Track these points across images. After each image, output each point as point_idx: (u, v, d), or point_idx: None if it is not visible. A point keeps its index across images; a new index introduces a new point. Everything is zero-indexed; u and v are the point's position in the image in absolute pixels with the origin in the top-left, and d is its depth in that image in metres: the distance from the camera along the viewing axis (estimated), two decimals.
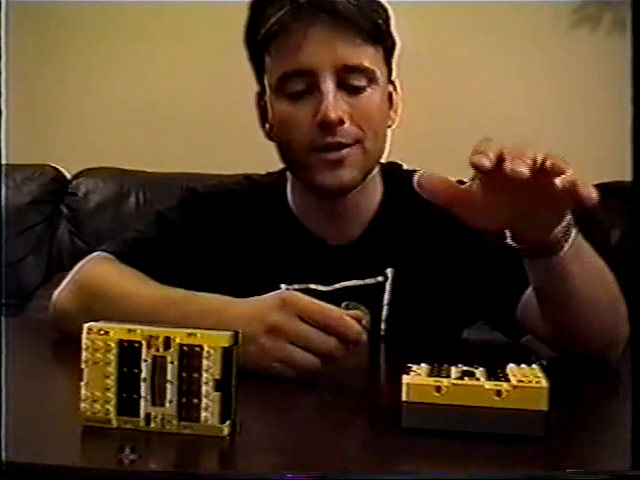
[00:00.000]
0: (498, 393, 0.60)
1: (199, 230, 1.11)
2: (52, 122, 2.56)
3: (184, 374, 0.59)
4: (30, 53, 2.46)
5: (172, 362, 0.59)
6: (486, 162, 0.68)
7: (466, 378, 0.61)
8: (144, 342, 0.59)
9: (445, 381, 0.60)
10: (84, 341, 0.60)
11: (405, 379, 0.61)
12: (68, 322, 0.97)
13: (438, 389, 0.60)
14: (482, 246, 1.01)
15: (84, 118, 2.56)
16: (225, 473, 0.55)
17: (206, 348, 0.58)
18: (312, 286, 1.07)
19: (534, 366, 0.65)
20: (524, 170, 0.67)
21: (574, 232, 0.83)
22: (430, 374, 0.63)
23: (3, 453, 0.53)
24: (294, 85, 1.00)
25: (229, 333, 0.59)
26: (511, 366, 0.65)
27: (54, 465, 0.53)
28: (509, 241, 0.84)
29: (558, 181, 0.69)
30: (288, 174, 1.12)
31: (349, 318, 0.76)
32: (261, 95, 1.08)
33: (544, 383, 0.60)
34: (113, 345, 0.59)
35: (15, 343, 0.82)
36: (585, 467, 0.57)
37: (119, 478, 0.53)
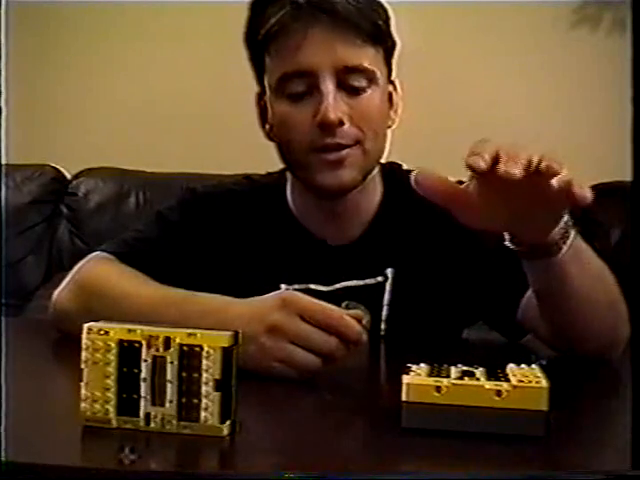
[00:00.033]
0: (498, 393, 0.60)
1: (199, 230, 1.11)
2: (52, 122, 2.56)
3: (184, 374, 0.59)
4: (30, 53, 2.46)
5: (172, 362, 0.59)
6: (481, 163, 0.68)
7: (466, 378, 0.61)
8: (144, 342, 0.59)
9: (445, 381, 0.60)
10: (84, 341, 0.60)
11: (405, 379, 0.61)
12: (68, 322, 0.97)
13: (438, 389, 0.60)
14: (482, 247, 1.01)
15: (84, 118, 2.56)
16: (225, 473, 0.56)
17: (206, 348, 0.58)
18: (312, 286, 1.07)
19: (534, 366, 0.65)
20: (517, 171, 0.68)
21: (572, 233, 0.83)
22: (430, 374, 0.63)
23: (3, 453, 0.53)
24: (294, 86, 1.00)
25: (229, 333, 0.59)
26: (511, 366, 0.65)
27: (54, 465, 0.53)
28: (507, 243, 0.85)
29: (554, 182, 0.69)
30: (288, 174, 1.12)
31: (350, 318, 0.76)
32: (261, 95, 1.08)
33: (544, 383, 0.60)
34: (113, 345, 0.59)
35: (15, 343, 0.82)
36: (585, 467, 0.57)
37: (119, 478, 0.53)
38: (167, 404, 0.59)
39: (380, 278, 1.09)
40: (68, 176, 2.44)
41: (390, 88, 1.08)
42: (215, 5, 2.34)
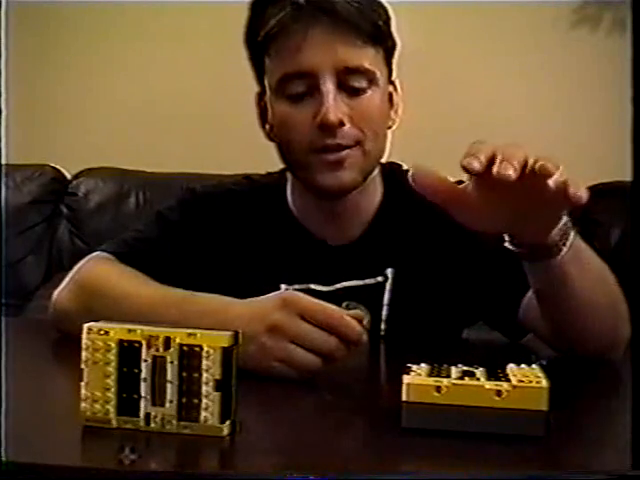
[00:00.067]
0: (498, 393, 0.60)
1: (199, 230, 1.11)
2: (52, 122, 2.56)
3: (184, 374, 0.59)
4: (30, 53, 2.46)
5: (172, 362, 0.59)
6: (476, 165, 0.68)
7: (466, 378, 0.61)
8: (144, 342, 0.59)
9: (445, 381, 0.60)
10: (84, 341, 0.60)
11: (405, 379, 0.61)
12: (68, 322, 0.97)
13: (438, 389, 0.60)
14: (483, 247, 1.01)
15: (84, 118, 2.56)
16: (225, 473, 0.56)
17: (206, 348, 0.58)
18: (312, 286, 1.07)
19: (534, 366, 0.65)
20: (511, 173, 0.68)
21: (572, 234, 0.83)
22: (430, 374, 0.63)
23: (3, 453, 0.53)
24: (294, 87, 1.00)
25: (229, 333, 0.59)
26: (511, 366, 0.65)
27: (54, 465, 0.53)
28: (507, 244, 0.84)
29: (551, 182, 0.69)
30: (288, 174, 1.12)
31: (350, 318, 0.76)
32: (261, 95, 1.07)
33: (544, 383, 0.60)
34: (113, 345, 0.59)
35: (15, 343, 0.82)
36: (585, 467, 0.57)
37: (119, 478, 0.53)
38: (167, 404, 0.59)
39: (380, 278, 1.09)
40: (68, 176, 2.44)
41: (390, 88, 1.07)
42: (215, 5, 2.34)
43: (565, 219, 0.82)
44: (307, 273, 1.08)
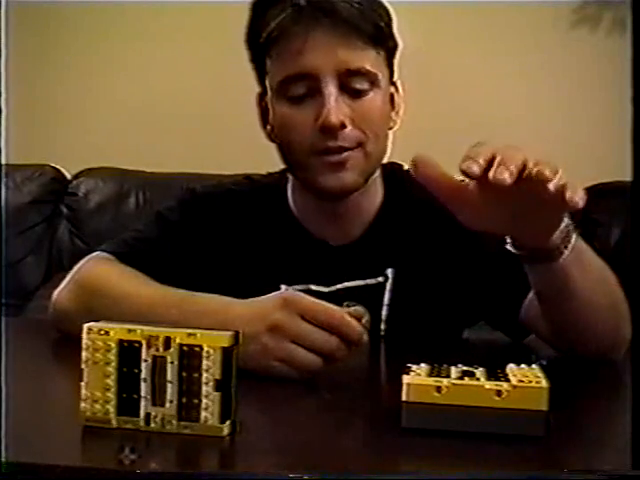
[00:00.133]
0: (498, 393, 0.60)
1: (199, 230, 1.11)
2: (52, 122, 2.56)
3: (184, 374, 0.59)
4: (30, 53, 2.46)
5: (172, 362, 0.59)
6: (475, 169, 0.68)
7: (466, 378, 0.61)
8: (144, 342, 0.59)
9: (445, 381, 0.60)
10: (84, 341, 0.60)
11: (405, 379, 0.61)
12: (68, 322, 0.97)
13: (438, 389, 0.60)
14: (483, 247, 1.01)
15: (84, 118, 2.56)
16: (225, 473, 0.55)
17: (206, 348, 0.58)
18: (313, 287, 1.07)
19: (534, 366, 0.65)
20: (506, 178, 0.67)
21: (574, 237, 0.83)
22: (430, 374, 0.63)
23: (3, 453, 0.53)
24: (296, 88, 0.99)
25: (229, 333, 0.59)
26: (511, 366, 0.65)
27: (54, 465, 0.53)
28: (509, 247, 0.84)
29: (549, 186, 0.69)
30: (289, 174, 1.12)
31: (351, 318, 0.76)
32: (262, 96, 1.07)
33: (544, 383, 0.60)
34: (113, 345, 0.59)
35: (15, 343, 0.82)
36: (585, 467, 0.57)
37: (119, 478, 0.53)
38: (167, 404, 0.59)
39: (380, 278, 1.09)
40: (68, 176, 2.44)
41: (392, 89, 1.07)
42: (215, 5, 2.34)
43: (567, 222, 0.81)
44: (307, 274, 1.08)
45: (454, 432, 0.59)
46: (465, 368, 0.65)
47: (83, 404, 0.60)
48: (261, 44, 1.01)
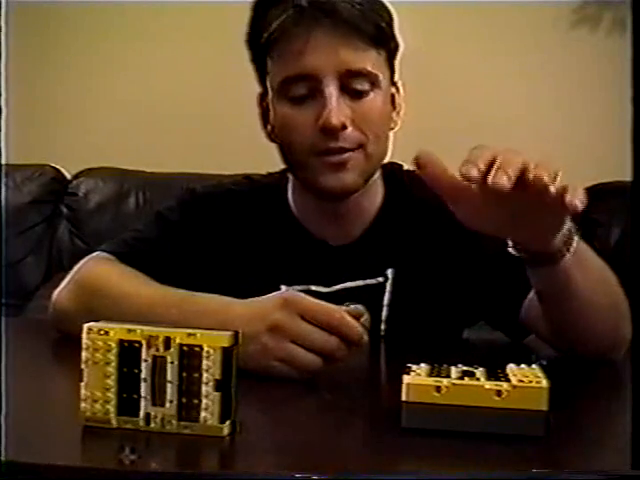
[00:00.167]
0: (498, 393, 0.60)
1: (199, 230, 1.11)
2: (52, 122, 2.56)
3: (184, 374, 0.59)
4: (30, 53, 2.46)
5: (172, 362, 0.59)
6: (475, 173, 0.68)
7: (466, 378, 0.61)
8: (144, 342, 0.59)
9: (445, 381, 0.60)
10: (84, 341, 0.60)
11: (405, 379, 0.61)
12: (68, 322, 0.97)
13: (438, 389, 0.60)
14: (483, 247, 1.01)
15: (84, 118, 2.56)
16: (225, 473, 0.56)
17: (206, 348, 0.58)
18: (313, 287, 1.07)
19: (534, 366, 0.65)
20: (505, 183, 0.67)
21: (576, 239, 0.83)
22: (430, 374, 0.63)
23: (3, 453, 0.53)
24: (296, 89, 0.99)
25: (229, 333, 0.59)
26: (511, 366, 0.65)
27: (54, 465, 0.53)
28: (511, 250, 0.84)
29: (550, 189, 0.69)
30: (289, 174, 1.12)
31: (351, 318, 0.76)
32: (263, 96, 1.07)
33: (544, 383, 0.60)
34: (113, 345, 0.59)
35: (15, 343, 0.82)
36: (585, 467, 0.57)
37: (119, 478, 0.53)
38: (167, 404, 0.59)
39: (380, 279, 1.09)
40: (68, 176, 2.44)
41: (393, 90, 1.07)
42: (215, 5, 2.34)
43: (569, 224, 0.81)
44: (307, 274, 1.08)
45: (454, 432, 0.59)
46: (465, 368, 0.65)
47: (83, 404, 0.60)
48: (262, 44, 1.01)
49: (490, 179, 0.68)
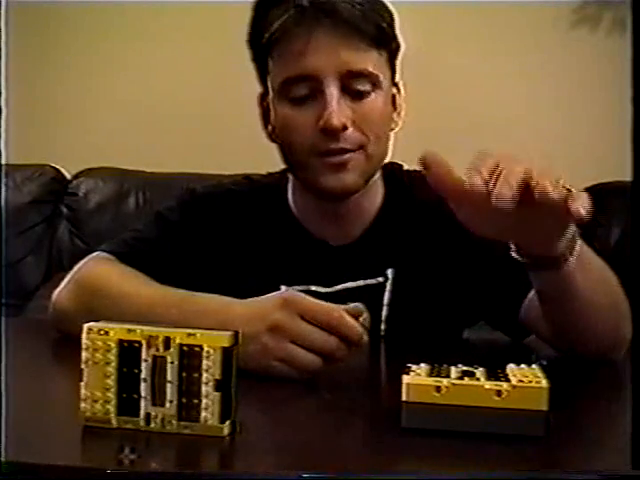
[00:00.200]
0: (498, 393, 0.60)
1: (199, 231, 1.11)
2: (52, 122, 2.56)
3: (184, 374, 0.59)
4: (30, 53, 2.46)
5: (172, 362, 0.59)
6: (477, 180, 0.68)
7: (466, 378, 0.61)
8: (144, 342, 0.59)
9: (445, 381, 0.60)
10: (84, 341, 0.60)
11: (405, 379, 0.61)
12: (68, 322, 0.97)
13: (438, 389, 0.60)
14: (483, 248, 1.01)
15: (84, 118, 2.56)
16: (225, 473, 0.56)
17: (206, 348, 0.58)
18: (313, 287, 1.07)
19: (534, 366, 0.65)
20: (509, 198, 0.67)
21: (579, 243, 0.82)
22: (430, 374, 0.63)
23: (3, 453, 0.53)
24: (297, 89, 0.99)
25: (229, 333, 0.59)
26: (511, 366, 0.65)
27: (54, 465, 0.53)
28: (513, 254, 0.84)
29: (556, 197, 0.69)
30: (289, 175, 1.12)
31: (350, 318, 0.76)
32: (264, 96, 1.07)
33: (544, 383, 0.60)
34: (113, 345, 0.59)
35: (15, 343, 0.82)
36: (585, 467, 0.57)
37: (119, 478, 0.53)
38: (167, 404, 0.59)
39: (380, 278, 1.09)
40: (68, 176, 2.44)
41: (394, 90, 1.07)
42: (215, 5, 2.34)
43: (572, 229, 0.81)
44: (307, 274, 1.08)
45: (454, 432, 0.59)
46: (465, 368, 0.65)
47: (83, 404, 0.60)
48: (263, 44, 1.01)
49: (494, 195, 0.68)
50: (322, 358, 0.76)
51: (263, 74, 1.05)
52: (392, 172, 1.13)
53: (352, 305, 0.79)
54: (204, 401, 0.58)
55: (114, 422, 0.59)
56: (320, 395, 0.76)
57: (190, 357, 0.58)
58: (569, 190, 0.69)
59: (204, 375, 0.58)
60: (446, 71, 2.36)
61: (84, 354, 0.60)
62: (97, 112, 2.55)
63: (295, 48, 0.98)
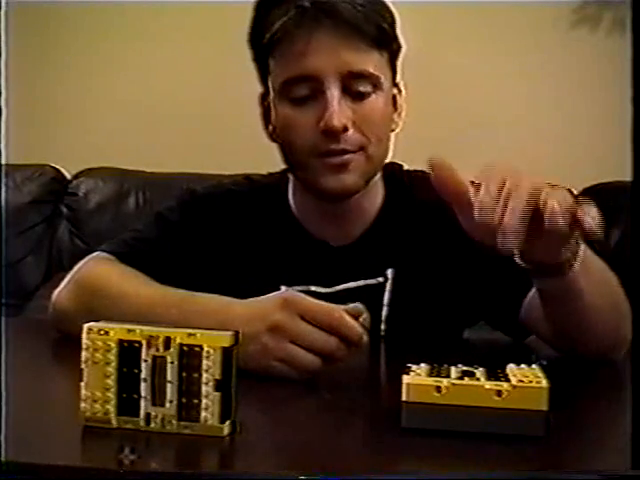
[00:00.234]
0: (498, 393, 0.60)
1: (199, 231, 1.11)
2: (52, 122, 2.56)
3: (184, 374, 0.59)
4: (30, 53, 2.46)
5: (172, 362, 0.59)
6: (487, 199, 0.68)
7: (466, 378, 0.61)
8: (144, 342, 0.59)
9: (445, 381, 0.60)
10: (84, 341, 0.60)
11: (405, 379, 0.61)
12: (68, 322, 0.97)
13: (438, 389, 0.60)
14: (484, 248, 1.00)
15: (84, 118, 2.56)
16: (225, 473, 0.56)
17: (206, 348, 0.58)
18: (313, 288, 1.07)
19: (534, 366, 0.65)
20: (515, 228, 0.67)
21: (582, 247, 0.82)
22: (430, 374, 0.63)
23: (3, 453, 0.53)
24: (298, 90, 0.99)
25: (229, 333, 0.59)
26: (511, 366, 0.65)
27: (54, 465, 0.53)
28: (517, 260, 0.83)
29: (565, 221, 0.68)
30: (289, 175, 1.12)
31: (350, 319, 0.76)
32: (265, 96, 1.07)
33: (544, 383, 0.60)
34: (113, 345, 0.59)
35: (15, 343, 0.82)
36: (585, 467, 0.57)
37: (119, 478, 0.53)
38: (167, 404, 0.59)
39: (380, 279, 1.09)
40: (68, 176, 2.44)
41: (394, 91, 1.07)
42: (215, 5, 2.34)
43: (576, 235, 0.80)
44: (307, 274, 1.08)
45: (454, 432, 0.59)
46: (465, 368, 0.64)
47: (83, 404, 0.60)
48: (264, 45, 1.01)
49: (501, 228, 0.68)
50: (322, 358, 0.76)
51: (264, 74, 1.05)
52: (392, 172, 1.13)
53: (352, 305, 0.79)
54: (204, 401, 0.58)
55: (114, 422, 0.59)
56: (320, 395, 0.76)
57: (190, 357, 0.58)
58: (576, 198, 0.69)
59: (204, 375, 0.58)
60: (446, 71, 2.36)
61: (84, 354, 0.60)
62: (97, 112, 2.55)
63: (296, 48, 0.98)
